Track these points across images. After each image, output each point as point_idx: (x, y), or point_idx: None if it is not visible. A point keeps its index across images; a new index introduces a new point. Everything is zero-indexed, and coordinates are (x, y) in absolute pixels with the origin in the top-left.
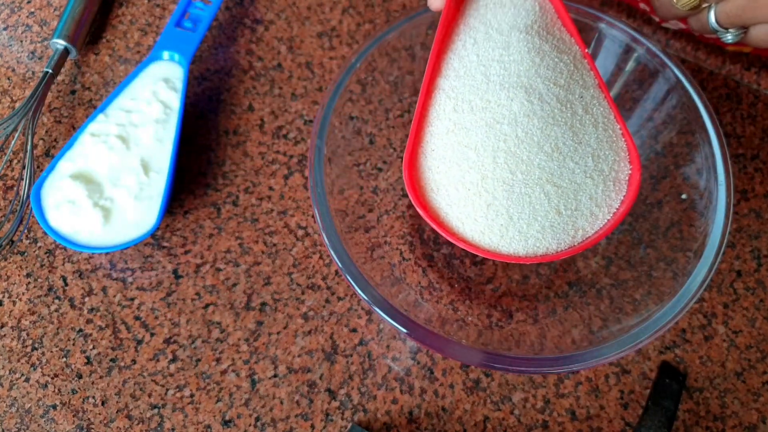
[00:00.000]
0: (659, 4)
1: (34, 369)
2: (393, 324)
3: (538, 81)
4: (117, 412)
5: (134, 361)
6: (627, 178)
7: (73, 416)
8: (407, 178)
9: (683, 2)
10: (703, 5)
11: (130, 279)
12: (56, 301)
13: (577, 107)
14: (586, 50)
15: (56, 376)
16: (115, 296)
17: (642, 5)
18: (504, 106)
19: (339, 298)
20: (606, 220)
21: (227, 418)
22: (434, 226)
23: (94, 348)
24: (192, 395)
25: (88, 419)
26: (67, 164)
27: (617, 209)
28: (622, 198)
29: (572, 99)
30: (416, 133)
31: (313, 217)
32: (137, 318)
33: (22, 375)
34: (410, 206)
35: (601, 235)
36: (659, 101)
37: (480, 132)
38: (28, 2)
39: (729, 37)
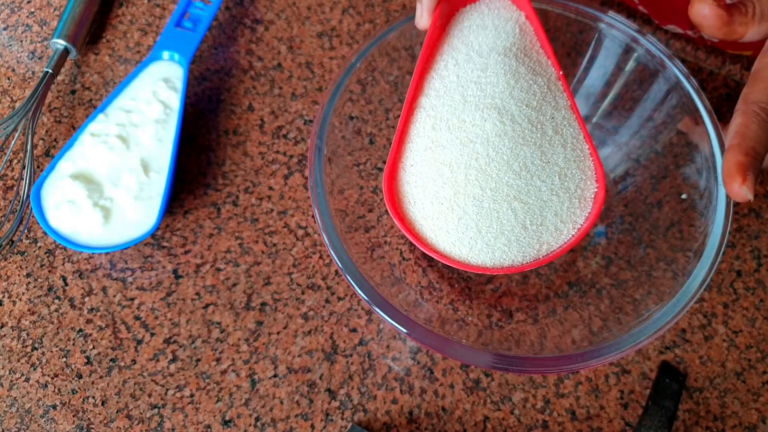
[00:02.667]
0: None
1: (34, 369)
2: (393, 324)
3: (512, 102)
4: (117, 412)
5: (134, 361)
6: (593, 195)
7: (73, 416)
8: (386, 191)
9: None
10: None
11: (130, 279)
12: (56, 301)
13: (547, 128)
14: (561, 72)
15: (56, 376)
16: (115, 296)
17: (641, 8)
18: (478, 126)
19: (339, 298)
20: (570, 235)
21: (227, 418)
22: (410, 237)
23: (94, 348)
24: (192, 395)
25: (88, 419)
26: (67, 164)
27: (581, 225)
28: (586, 215)
29: (543, 120)
30: (397, 149)
31: (313, 217)
32: (137, 318)
33: (22, 375)
34: None
35: (564, 248)
36: (659, 101)
37: (455, 150)
38: (28, 2)
39: None
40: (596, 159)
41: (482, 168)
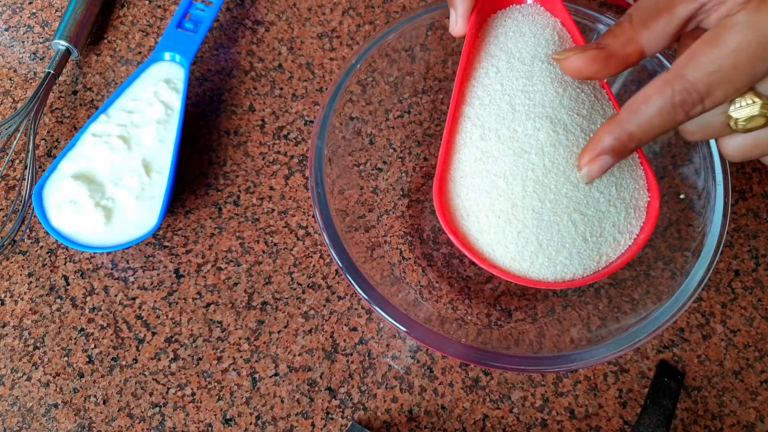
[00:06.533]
0: (695, 128)
1: (36, 368)
2: (393, 323)
3: (563, 111)
4: (118, 411)
5: (136, 360)
6: (646, 205)
7: (75, 415)
8: (438, 204)
9: (744, 118)
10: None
11: (131, 278)
12: (58, 300)
13: None
14: (605, 80)
15: (58, 375)
16: (116, 295)
17: None
18: (531, 136)
19: (339, 297)
20: (627, 246)
21: (228, 416)
22: (466, 253)
23: (95, 347)
24: (193, 394)
25: (90, 418)
26: (68, 164)
27: (637, 235)
28: (641, 225)
29: (594, 129)
30: (444, 160)
31: (313, 216)
32: (139, 317)
33: (24, 374)
34: (410, 206)
35: (624, 261)
36: None
37: (508, 161)
38: (30, 3)
39: None
40: (647, 168)
41: (540, 179)
